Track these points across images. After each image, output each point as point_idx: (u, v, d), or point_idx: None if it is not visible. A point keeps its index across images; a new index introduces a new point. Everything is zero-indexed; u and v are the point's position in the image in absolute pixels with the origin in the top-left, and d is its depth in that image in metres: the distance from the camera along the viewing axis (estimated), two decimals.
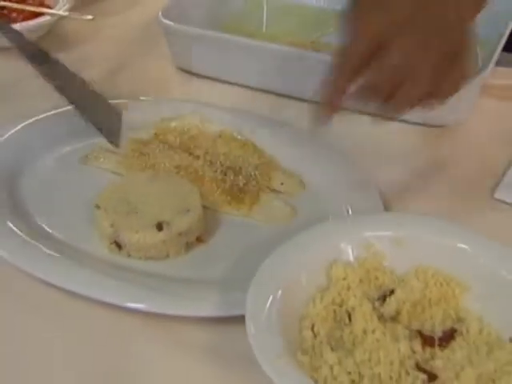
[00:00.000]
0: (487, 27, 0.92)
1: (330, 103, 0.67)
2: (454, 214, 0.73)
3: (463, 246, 0.64)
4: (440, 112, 0.82)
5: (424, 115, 0.84)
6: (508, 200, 0.77)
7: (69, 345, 0.64)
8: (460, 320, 0.63)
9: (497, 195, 0.78)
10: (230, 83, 0.92)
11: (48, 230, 0.73)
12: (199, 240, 0.72)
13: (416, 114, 0.82)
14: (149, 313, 0.65)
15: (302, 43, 0.94)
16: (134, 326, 0.65)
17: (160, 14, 0.91)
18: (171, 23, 0.90)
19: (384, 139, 0.85)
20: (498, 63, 0.89)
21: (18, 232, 0.70)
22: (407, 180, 0.80)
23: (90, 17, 0.94)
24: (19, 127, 0.82)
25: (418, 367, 0.58)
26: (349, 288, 0.63)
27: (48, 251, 0.69)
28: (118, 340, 0.64)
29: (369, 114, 0.85)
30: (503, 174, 0.80)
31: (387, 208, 0.74)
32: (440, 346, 0.61)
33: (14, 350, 0.63)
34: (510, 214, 0.76)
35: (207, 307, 0.64)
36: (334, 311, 0.62)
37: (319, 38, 0.97)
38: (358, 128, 0.85)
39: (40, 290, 0.67)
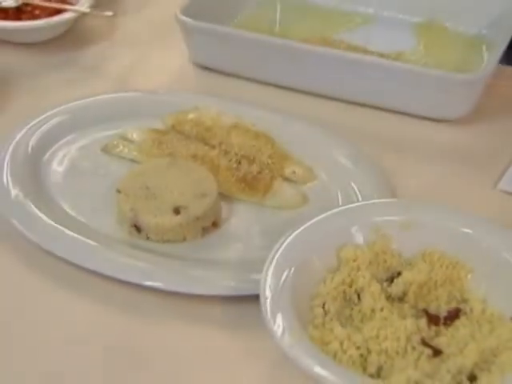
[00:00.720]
0: (492, 28, 0.94)
1: None
2: (458, 202, 0.74)
3: (467, 230, 0.66)
4: (445, 106, 0.85)
5: (430, 109, 0.86)
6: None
7: (90, 320, 0.66)
8: (464, 301, 0.64)
9: (500, 186, 0.79)
10: (245, 78, 0.93)
11: (71, 213, 0.75)
12: (214, 225, 0.74)
13: (423, 108, 0.85)
14: (166, 291, 0.67)
15: (314, 40, 0.96)
16: (152, 303, 0.67)
17: (178, 11, 0.92)
18: (189, 20, 0.91)
19: (393, 132, 0.86)
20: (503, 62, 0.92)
21: (43, 216, 0.72)
22: (414, 170, 0.81)
23: (110, 13, 0.96)
24: (44, 116, 0.84)
25: (424, 343, 0.59)
26: (358, 269, 0.65)
27: (70, 233, 0.71)
28: (137, 316, 0.67)
29: (378, 107, 0.88)
30: (508, 166, 0.81)
31: (395, 195, 0.76)
32: (445, 324, 0.62)
33: (38, 323, 0.65)
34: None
35: (222, 287, 0.66)
36: (344, 291, 0.64)
37: (331, 36, 0.99)
38: (368, 121, 0.88)
39: (63, 269, 0.69)
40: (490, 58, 0.87)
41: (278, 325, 0.58)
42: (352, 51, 0.92)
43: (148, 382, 0.61)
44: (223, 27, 0.92)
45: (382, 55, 0.93)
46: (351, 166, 0.79)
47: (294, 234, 0.66)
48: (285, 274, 0.62)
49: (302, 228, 0.66)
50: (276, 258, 0.63)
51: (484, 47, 0.95)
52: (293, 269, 0.63)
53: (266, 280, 0.61)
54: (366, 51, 0.94)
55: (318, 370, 0.55)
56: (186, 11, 0.93)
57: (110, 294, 0.68)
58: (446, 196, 0.78)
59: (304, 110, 0.88)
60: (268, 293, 0.60)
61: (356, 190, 0.77)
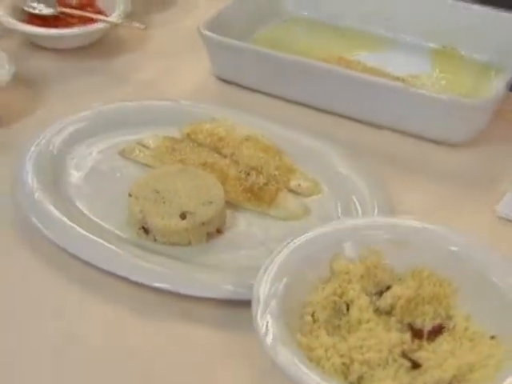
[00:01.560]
0: (502, 55, 0.94)
1: None
2: (455, 223, 0.75)
3: (456, 249, 0.67)
4: (450, 129, 0.85)
5: (436, 132, 0.87)
6: (509, 216, 0.79)
7: (94, 313, 0.68)
8: (449, 317, 0.65)
9: (497, 212, 0.79)
10: (262, 92, 0.95)
11: (86, 213, 0.77)
12: (219, 231, 0.75)
13: (430, 131, 0.86)
14: (169, 291, 0.68)
15: (331, 60, 0.97)
16: (155, 303, 0.69)
17: (201, 25, 0.94)
18: (210, 34, 0.93)
19: (399, 152, 0.87)
20: None
21: (59, 215, 0.74)
22: (416, 189, 0.82)
23: (141, 26, 0.99)
24: (69, 119, 0.87)
25: (404, 355, 0.60)
26: (349, 282, 0.66)
27: (84, 232, 0.73)
28: (139, 313, 0.68)
29: (387, 127, 0.89)
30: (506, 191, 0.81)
31: (394, 212, 0.77)
32: (428, 339, 0.63)
33: (52, 316, 0.68)
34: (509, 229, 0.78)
35: (221, 290, 0.68)
36: (334, 301, 0.65)
37: (349, 56, 1.00)
38: (376, 140, 0.89)
39: (77, 267, 0.71)
40: (497, 84, 0.87)
41: (266, 329, 0.59)
42: (366, 72, 0.93)
43: (142, 377, 0.63)
44: (242, 43, 0.94)
45: (396, 78, 0.94)
46: (354, 181, 0.80)
47: (290, 245, 0.67)
48: (278, 281, 0.63)
49: (298, 239, 0.68)
50: (271, 265, 0.65)
51: (493, 74, 0.95)
52: (286, 277, 0.64)
53: (259, 285, 0.63)
54: (380, 73, 0.95)
55: (299, 373, 0.56)
56: (210, 26, 0.95)
57: (117, 291, 0.70)
58: (444, 216, 0.78)
59: (315, 125, 0.89)
60: (260, 298, 0.62)
61: (357, 204, 0.78)
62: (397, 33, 1.04)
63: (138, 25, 0.99)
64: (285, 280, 0.64)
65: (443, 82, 0.96)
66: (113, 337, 0.66)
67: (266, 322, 0.60)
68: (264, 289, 0.62)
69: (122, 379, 0.63)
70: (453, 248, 0.67)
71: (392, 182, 0.82)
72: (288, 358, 0.57)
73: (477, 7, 1.00)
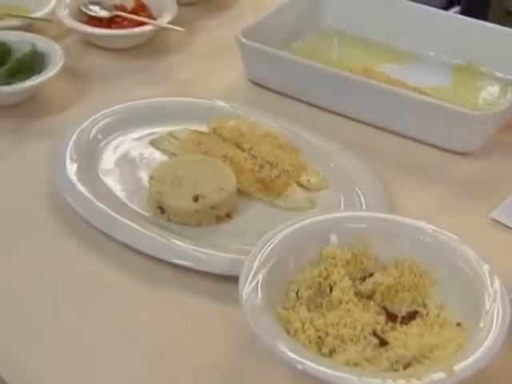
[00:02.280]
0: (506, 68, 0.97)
1: None
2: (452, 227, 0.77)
3: (436, 243, 0.70)
4: (458, 139, 0.88)
5: (444, 140, 0.90)
6: (503, 221, 0.82)
7: (111, 280, 0.75)
8: (424, 305, 0.68)
9: (492, 215, 0.82)
10: (289, 96, 1.00)
11: (114, 192, 0.83)
12: (228, 216, 0.81)
13: (439, 139, 0.89)
14: (175, 265, 0.74)
15: (357, 70, 1.01)
16: (162, 273, 0.75)
17: (239, 32, 1.00)
18: (246, 41, 0.99)
19: (407, 157, 0.91)
20: None
21: (88, 195, 0.81)
22: (418, 192, 0.86)
23: (181, 29, 1.06)
24: (109, 110, 0.93)
25: (374, 333, 0.64)
26: (335, 266, 0.70)
27: (109, 212, 0.79)
28: (148, 283, 0.74)
29: (396, 133, 0.93)
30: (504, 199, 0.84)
31: (393, 210, 0.81)
32: (402, 323, 0.67)
33: (75, 283, 0.75)
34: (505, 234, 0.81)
35: (221, 267, 0.73)
36: (319, 282, 0.69)
37: (375, 68, 1.04)
38: (388, 145, 0.93)
39: (101, 239, 0.78)
40: (506, 99, 0.90)
41: (249, 298, 0.64)
42: (387, 83, 0.97)
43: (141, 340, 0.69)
44: (273, 49, 0.99)
45: (414, 89, 0.97)
46: (361, 180, 0.84)
47: (285, 229, 0.72)
48: (268, 259, 0.68)
49: (295, 222, 0.72)
50: (264, 246, 0.69)
51: (511, 90, 0.98)
52: (276, 257, 0.69)
53: (249, 260, 0.68)
54: (401, 84, 0.99)
55: (272, 340, 0.61)
56: (247, 33, 1.01)
57: (131, 262, 0.76)
58: (442, 219, 0.81)
59: (333, 128, 0.94)
60: (248, 271, 0.66)
61: (362, 200, 0.82)
62: (421, 48, 1.08)
63: (179, 28, 1.06)
64: (275, 259, 0.68)
65: (460, 95, 0.99)
66: (122, 299, 0.73)
67: (250, 293, 0.64)
68: (254, 264, 0.67)
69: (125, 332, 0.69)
70: (434, 241, 0.70)
71: (397, 183, 0.85)
72: (264, 325, 0.62)
73: (499, 27, 1.03)
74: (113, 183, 0.85)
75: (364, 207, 0.81)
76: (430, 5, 1.10)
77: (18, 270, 0.76)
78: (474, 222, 0.82)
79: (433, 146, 0.91)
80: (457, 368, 0.58)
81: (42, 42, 1.02)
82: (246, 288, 0.65)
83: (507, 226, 0.82)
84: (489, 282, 0.66)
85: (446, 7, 1.94)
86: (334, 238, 0.71)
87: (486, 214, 0.83)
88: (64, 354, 0.68)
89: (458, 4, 2.03)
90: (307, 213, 0.82)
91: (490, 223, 0.82)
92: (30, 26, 1.11)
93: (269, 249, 0.69)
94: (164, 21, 1.09)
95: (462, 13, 1.07)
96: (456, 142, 0.90)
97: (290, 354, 0.59)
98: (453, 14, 1.07)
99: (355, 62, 1.05)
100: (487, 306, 0.64)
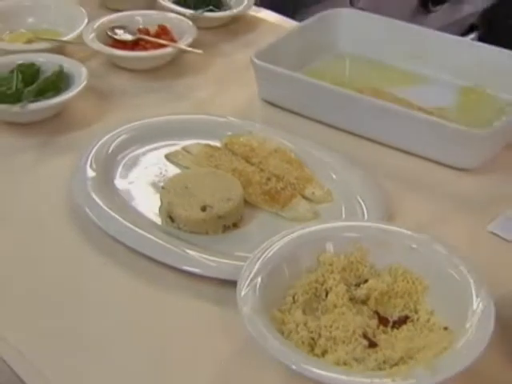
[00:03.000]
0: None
1: None
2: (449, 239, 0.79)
3: (429, 252, 0.72)
4: (458, 156, 0.90)
5: (445, 157, 0.92)
6: (500, 233, 0.83)
7: (121, 284, 0.78)
8: (415, 311, 0.70)
9: (489, 228, 0.84)
10: (301, 115, 1.03)
11: (128, 201, 0.87)
12: (235, 225, 0.83)
13: (440, 156, 0.91)
14: (183, 271, 0.77)
15: (366, 90, 1.04)
16: (169, 279, 0.78)
17: (253, 54, 1.04)
18: (259, 62, 1.02)
19: (409, 172, 0.93)
20: None
21: (103, 204, 0.84)
22: (418, 205, 0.88)
23: (199, 51, 1.10)
24: (128, 126, 0.97)
25: (364, 335, 0.66)
26: (332, 272, 0.72)
27: (122, 221, 0.82)
28: (156, 287, 0.77)
29: (400, 149, 0.95)
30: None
31: (392, 220, 0.83)
32: (392, 327, 0.69)
33: (92, 287, 0.78)
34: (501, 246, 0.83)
35: (225, 272, 0.76)
36: (316, 288, 0.72)
37: (383, 88, 1.06)
38: (389, 160, 0.95)
39: (113, 246, 0.81)
40: (505, 119, 0.91)
41: (246, 300, 0.66)
42: (394, 103, 0.99)
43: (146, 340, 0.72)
44: (283, 70, 1.02)
45: (420, 109, 0.99)
46: (363, 194, 0.86)
47: (286, 235, 0.74)
48: (267, 264, 0.71)
49: (294, 231, 0.75)
50: (264, 252, 0.72)
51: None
52: (276, 262, 0.71)
53: (249, 264, 0.70)
54: (407, 104, 1.01)
55: (265, 340, 0.63)
56: (261, 55, 1.04)
57: (140, 267, 0.79)
58: (440, 232, 0.83)
59: (340, 145, 0.96)
60: (247, 274, 0.69)
61: (364, 213, 0.84)
62: (430, 70, 1.10)
63: (197, 51, 1.10)
64: (273, 265, 0.71)
65: (464, 115, 1.00)
66: (129, 302, 0.76)
67: (247, 295, 0.67)
68: (253, 269, 0.70)
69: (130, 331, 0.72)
70: (426, 250, 0.72)
71: (399, 199, 0.87)
72: (258, 326, 0.64)
73: (504, 50, 1.05)
74: (128, 194, 0.88)
75: (365, 219, 0.83)
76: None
77: (40, 277, 0.79)
78: (472, 235, 0.84)
79: (434, 162, 0.93)
80: (440, 367, 0.60)
81: (68, 63, 1.07)
82: (243, 290, 0.67)
83: (504, 239, 0.83)
84: (477, 289, 0.67)
85: (464, 34, 1.96)
86: (330, 246, 0.74)
87: (483, 226, 0.84)
88: (79, 352, 0.71)
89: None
90: (311, 223, 0.84)
91: (488, 236, 0.84)
92: (60, 49, 1.15)
93: (268, 255, 0.72)
94: (183, 43, 1.13)
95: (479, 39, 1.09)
96: (457, 158, 0.92)
97: (280, 352, 0.61)
98: (460, 37, 1.08)
99: (366, 84, 1.08)
100: (473, 312, 0.65)
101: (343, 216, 0.85)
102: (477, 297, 0.66)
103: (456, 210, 0.87)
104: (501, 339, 0.69)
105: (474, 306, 0.65)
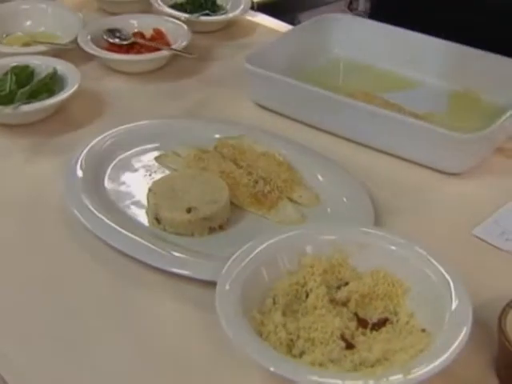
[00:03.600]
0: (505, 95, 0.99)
1: None
2: (434, 243, 0.78)
3: (410, 255, 0.72)
4: (445, 160, 0.90)
5: (433, 161, 0.92)
6: (484, 237, 0.83)
7: (106, 284, 0.79)
8: (395, 313, 0.70)
9: (474, 232, 0.84)
10: (291, 118, 1.03)
11: (116, 202, 0.87)
12: (221, 227, 0.83)
13: (428, 159, 0.91)
14: (166, 271, 0.77)
15: (357, 95, 1.04)
16: (153, 280, 0.78)
17: (245, 58, 1.04)
18: (249, 65, 1.03)
19: (398, 175, 0.93)
20: None
21: (90, 206, 0.85)
22: (404, 208, 0.88)
23: (191, 55, 1.11)
24: (119, 128, 0.98)
25: (342, 337, 0.66)
26: (312, 274, 0.72)
27: (108, 222, 0.83)
28: (139, 288, 0.78)
29: (388, 153, 0.95)
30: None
31: (378, 225, 0.83)
32: (372, 329, 0.69)
33: (76, 286, 0.79)
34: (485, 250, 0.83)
35: (208, 274, 0.76)
36: (296, 290, 0.72)
37: (374, 93, 1.06)
38: (377, 164, 0.95)
39: (102, 249, 0.82)
40: (493, 124, 0.91)
41: (225, 301, 0.67)
42: (385, 107, 0.99)
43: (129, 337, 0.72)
44: (273, 74, 1.02)
45: (411, 113, 0.99)
46: (351, 198, 0.87)
47: (267, 238, 0.74)
48: (248, 266, 0.71)
49: (275, 234, 0.75)
50: (245, 254, 0.72)
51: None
52: (256, 264, 0.71)
53: (229, 265, 0.70)
54: (399, 108, 1.01)
55: (242, 340, 0.63)
56: (253, 59, 1.04)
57: (125, 267, 0.80)
58: (427, 234, 0.83)
59: (330, 148, 0.96)
60: (227, 275, 0.69)
61: (351, 216, 0.84)
62: (422, 75, 1.10)
63: (189, 55, 1.10)
64: (254, 266, 0.71)
65: (455, 120, 1.00)
66: (114, 302, 0.76)
67: (226, 297, 0.67)
68: (233, 269, 0.70)
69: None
70: (406, 253, 0.72)
71: (386, 202, 0.88)
72: (237, 327, 0.65)
73: (495, 55, 1.05)
74: (117, 196, 0.89)
75: (352, 222, 0.83)
76: None
77: (29, 276, 0.79)
78: (458, 239, 0.84)
79: (423, 165, 0.93)
80: (414, 369, 0.60)
81: (62, 66, 1.07)
82: (222, 292, 0.67)
83: (489, 243, 0.83)
84: (456, 292, 0.67)
85: None
86: (310, 248, 0.74)
87: (469, 231, 0.84)
88: (63, 353, 0.72)
89: None
90: (298, 226, 0.84)
91: (473, 240, 0.84)
92: (56, 51, 1.16)
93: (249, 257, 0.72)
94: (177, 47, 1.14)
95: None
96: (445, 162, 0.92)
97: (255, 353, 0.62)
98: (452, 42, 1.08)
99: (358, 88, 1.08)
100: (451, 314, 0.65)
101: (331, 219, 0.85)
102: (455, 300, 0.66)
103: (442, 214, 0.88)
104: (481, 343, 0.69)
105: (452, 309, 0.66)
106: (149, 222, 0.84)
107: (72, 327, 0.74)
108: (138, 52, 1.16)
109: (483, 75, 1.05)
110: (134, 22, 1.21)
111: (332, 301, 0.71)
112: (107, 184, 0.90)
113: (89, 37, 1.17)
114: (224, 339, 0.68)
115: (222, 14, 1.29)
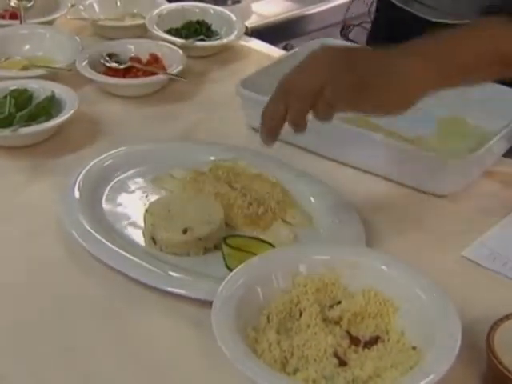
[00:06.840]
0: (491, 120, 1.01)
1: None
2: (425, 263, 0.80)
3: (400, 275, 0.74)
4: (434, 183, 0.92)
5: (421, 184, 0.94)
6: (473, 259, 0.85)
7: (100, 303, 0.80)
8: (387, 331, 0.72)
9: (463, 253, 0.86)
10: (284, 141, 1.05)
11: (112, 223, 0.89)
12: (216, 247, 0.85)
13: (414, 182, 0.93)
14: (162, 290, 0.79)
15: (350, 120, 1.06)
16: (149, 300, 0.79)
17: (239, 82, 1.06)
18: (243, 90, 1.05)
19: (388, 198, 0.95)
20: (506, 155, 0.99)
21: (88, 226, 0.86)
22: (394, 230, 0.90)
23: (185, 79, 1.15)
24: (116, 151, 1.00)
25: (335, 354, 0.68)
26: (306, 293, 0.74)
27: (105, 242, 0.84)
28: (136, 307, 0.79)
29: (378, 176, 0.97)
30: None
31: (369, 245, 0.85)
32: (364, 347, 0.70)
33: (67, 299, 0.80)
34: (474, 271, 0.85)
35: (203, 293, 0.77)
36: (290, 308, 0.73)
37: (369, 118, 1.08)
38: (368, 186, 0.97)
39: (100, 269, 0.83)
40: (481, 149, 0.94)
41: (221, 319, 0.68)
42: (374, 130, 1.01)
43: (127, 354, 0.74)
44: (266, 98, 1.03)
45: (400, 137, 1.02)
46: (342, 220, 0.89)
47: (261, 258, 0.76)
48: (243, 285, 0.73)
49: (270, 252, 0.77)
50: (240, 273, 0.74)
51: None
52: (251, 283, 0.73)
53: (225, 284, 0.72)
54: (390, 132, 1.03)
55: (237, 357, 0.65)
56: (247, 83, 1.07)
57: (122, 286, 0.81)
58: (416, 255, 0.85)
59: (322, 171, 0.98)
60: (223, 293, 0.71)
61: (342, 237, 0.86)
62: None
63: (182, 79, 1.13)
64: (249, 285, 0.73)
65: (443, 144, 1.03)
66: (111, 321, 0.78)
67: (222, 314, 0.69)
68: (229, 289, 0.72)
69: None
70: (397, 273, 0.74)
71: (376, 224, 0.90)
72: (233, 345, 0.66)
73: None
74: (114, 217, 0.90)
75: (344, 243, 0.85)
76: None
77: (26, 296, 0.81)
78: (447, 260, 0.86)
79: (412, 188, 0.96)
80: None
81: (60, 90, 1.09)
82: (218, 310, 0.69)
83: (478, 264, 0.85)
84: (445, 311, 0.69)
85: None
86: (303, 267, 0.75)
87: (458, 252, 0.86)
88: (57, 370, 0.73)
89: None
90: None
91: (462, 261, 0.86)
92: (54, 75, 1.18)
93: (244, 277, 0.73)
94: (172, 72, 1.16)
95: None
96: (434, 185, 0.94)
97: (251, 370, 0.63)
98: None
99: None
100: (441, 332, 0.67)
101: (322, 240, 0.86)
102: (445, 318, 0.68)
103: (431, 235, 0.90)
104: (470, 360, 0.71)
105: (442, 327, 0.67)
106: (145, 242, 0.86)
107: (68, 345, 0.75)
108: (135, 76, 1.18)
109: (472, 100, 1.07)
110: (131, 47, 1.24)
111: (325, 319, 0.73)
112: (104, 205, 0.92)
113: (86, 61, 1.19)
114: (219, 356, 0.69)
115: (217, 39, 1.32)
